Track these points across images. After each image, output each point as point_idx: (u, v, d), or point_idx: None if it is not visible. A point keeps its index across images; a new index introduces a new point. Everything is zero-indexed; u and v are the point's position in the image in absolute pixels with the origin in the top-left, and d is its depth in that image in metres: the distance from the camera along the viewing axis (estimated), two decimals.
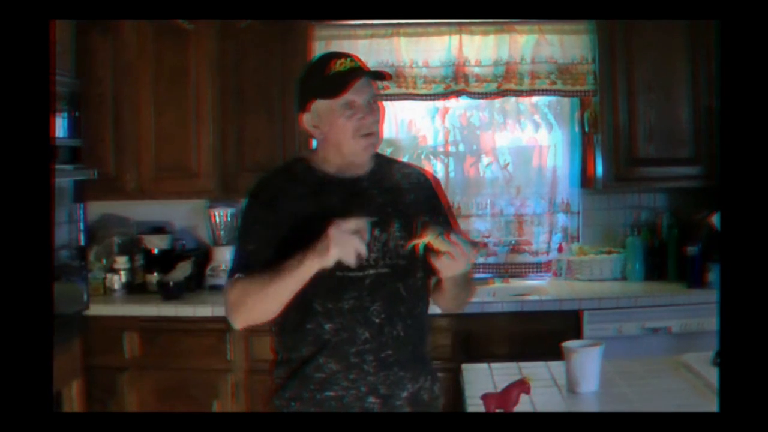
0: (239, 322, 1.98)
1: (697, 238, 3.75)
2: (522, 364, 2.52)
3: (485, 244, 4.15)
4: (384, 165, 2.12)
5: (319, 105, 1.99)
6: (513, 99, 4.18)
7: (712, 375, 2.16)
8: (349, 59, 2.00)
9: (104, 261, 4.01)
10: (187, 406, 3.56)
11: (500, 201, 4.25)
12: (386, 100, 3.87)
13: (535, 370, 2.41)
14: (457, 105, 4.23)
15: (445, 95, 4.03)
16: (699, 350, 2.50)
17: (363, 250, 1.80)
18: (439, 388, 2.09)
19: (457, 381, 2.47)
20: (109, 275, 3.97)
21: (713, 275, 3.67)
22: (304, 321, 1.96)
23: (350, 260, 1.80)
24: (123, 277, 3.98)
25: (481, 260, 4.17)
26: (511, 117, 4.27)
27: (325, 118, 1.99)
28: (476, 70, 3.98)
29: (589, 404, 2.14)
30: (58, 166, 3.29)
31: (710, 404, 1.95)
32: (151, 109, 3.90)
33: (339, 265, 1.83)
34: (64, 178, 3.69)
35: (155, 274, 3.94)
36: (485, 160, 4.29)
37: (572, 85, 3.96)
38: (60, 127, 3.44)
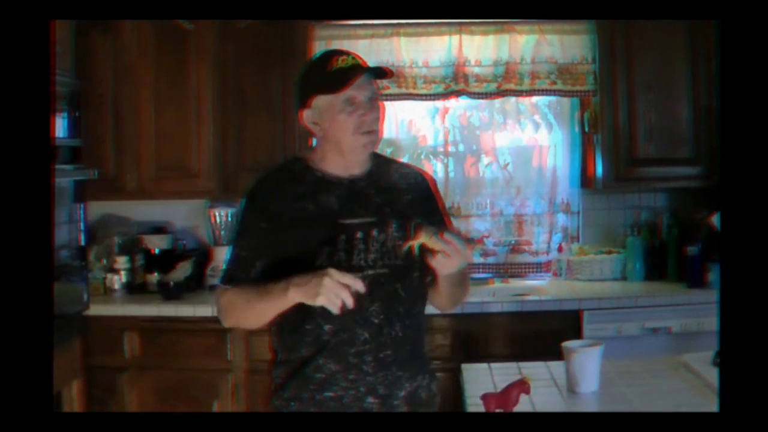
0: (230, 327, 2.03)
1: (697, 238, 3.75)
2: (522, 364, 2.52)
3: (480, 241, 4.15)
4: (382, 165, 2.12)
5: (320, 101, 1.99)
6: (513, 99, 4.17)
7: (712, 375, 2.16)
8: (350, 56, 2.00)
9: (104, 261, 4.01)
10: (187, 406, 3.56)
11: (500, 201, 4.25)
12: (386, 99, 3.87)
13: (534, 370, 2.40)
14: (457, 105, 4.23)
15: (445, 95, 4.03)
16: (699, 350, 2.50)
17: (350, 303, 1.80)
18: (436, 385, 2.10)
19: (457, 381, 2.47)
20: (109, 275, 3.97)
21: (713, 275, 3.67)
22: (303, 321, 1.96)
23: (334, 310, 1.80)
24: (123, 277, 3.98)
25: (481, 260, 4.18)
26: (511, 117, 4.26)
27: (325, 114, 1.98)
28: (476, 70, 3.98)
29: (589, 404, 2.14)
30: (58, 166, 3.29)
31: (710, 404, 1.95)
32: (151, 109, 3.90)
33: (338, 267, 1.84)
34: (64, 178, 3.70)
35: (155, 274, 3.94)
36: (485, 160, 4.28)
37: (572, 85, 3.96)
38: (60, 127, 3.44)
